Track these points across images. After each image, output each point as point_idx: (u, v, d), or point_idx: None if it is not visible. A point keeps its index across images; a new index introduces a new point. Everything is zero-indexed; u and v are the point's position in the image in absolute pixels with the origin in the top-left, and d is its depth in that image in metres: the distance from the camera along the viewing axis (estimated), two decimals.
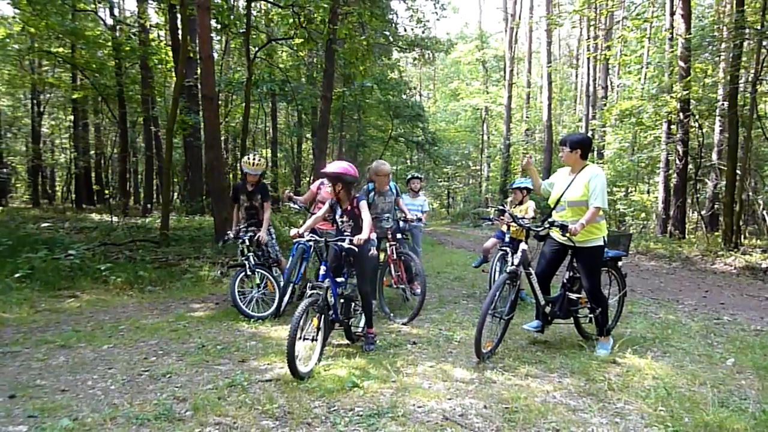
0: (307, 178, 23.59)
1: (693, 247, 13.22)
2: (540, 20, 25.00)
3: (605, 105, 22.07)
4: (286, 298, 6.20)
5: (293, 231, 4.70)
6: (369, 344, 4.84)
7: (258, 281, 6.27)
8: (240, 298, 5.96)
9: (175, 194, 24.20)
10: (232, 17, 12.29)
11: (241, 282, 6.14)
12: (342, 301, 4.75)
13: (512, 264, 4.78)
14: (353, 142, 22.56)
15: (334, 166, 4.78)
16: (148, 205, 20.52)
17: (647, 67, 21.48)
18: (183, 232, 12.00)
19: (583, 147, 4.73)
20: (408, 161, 33.22)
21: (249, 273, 6.17)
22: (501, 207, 5.12)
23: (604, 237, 4.73)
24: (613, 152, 22.36)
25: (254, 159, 6.50)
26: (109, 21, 19.74)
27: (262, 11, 17.07)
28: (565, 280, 5.00)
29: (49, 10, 13.71)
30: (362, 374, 4.11)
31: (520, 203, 7.01)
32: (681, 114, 14.39)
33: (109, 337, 5.17)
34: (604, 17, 20.85)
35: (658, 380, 4.06)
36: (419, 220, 7.10)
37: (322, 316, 4.34)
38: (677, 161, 14.80)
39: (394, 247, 6.10)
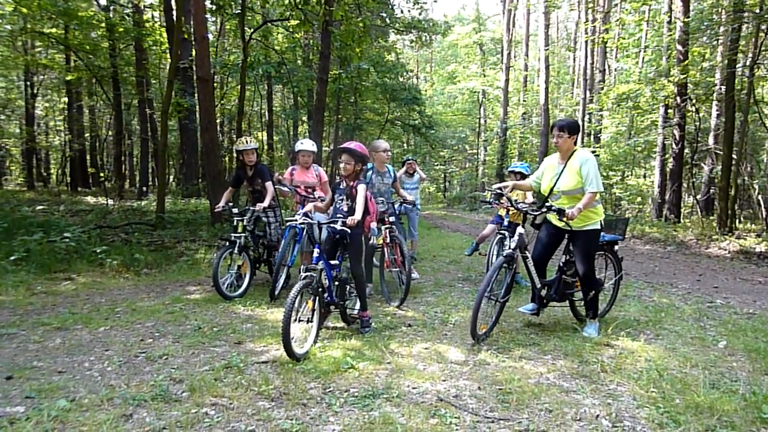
0: None
1: (688, 231, 13.28)
2: (538, 2, 24.82)
3: (602, 89, 21.99)
4: (281, 281, 6.23)
5: (308, 206, 4.90)
6: (364, 327, 4.87)
7: (239, 263, 6.29)
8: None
9: (171, 177, 24.14)
10: None
11: (224, 260, 6.12)
12: (336, 283, 4.76)
13: (509, 247, 4.78)
14: (350, 125, 22.44)
15: (354, 144, 4.87)
16: (144, 188, 20.43)
17: (645, 51, 21.37)
18: (179, 215, 11.98)
19: (577, 132, 4.73)
20: (404, 145, 33.10)
21: (236, 252, 6.17)
22: (499, 191, 5.09)
23: (600, 221, 4.74)
24: (609, 136, 22.36)
25: (244, 138, 6.68)
26: (103, 1, 19.49)
27: None
28: (561, 264, 4.99)
29: None
30: (357, 356, 4.14)
31: None
32: (678, 98, 14.37)
33: (105, 319, 5.18)
34: (602, 0, 20.68)
35: (651, 362, 4.11)
36: (413, 204, 7.16)
37: (317, 298, 4.34)
38: (674, 145, 14.81)
39: (388, 230, 6.11)
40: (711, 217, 14.57)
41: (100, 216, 11.72)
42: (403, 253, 6.04)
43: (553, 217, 4.80)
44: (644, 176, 21.30)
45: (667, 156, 15.70)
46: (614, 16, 22.17)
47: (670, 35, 15.72)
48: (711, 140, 16.18)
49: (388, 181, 6.51)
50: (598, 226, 4.73)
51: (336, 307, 4.84)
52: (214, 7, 12.27)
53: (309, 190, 6.50)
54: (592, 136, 23.73)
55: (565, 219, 4.42)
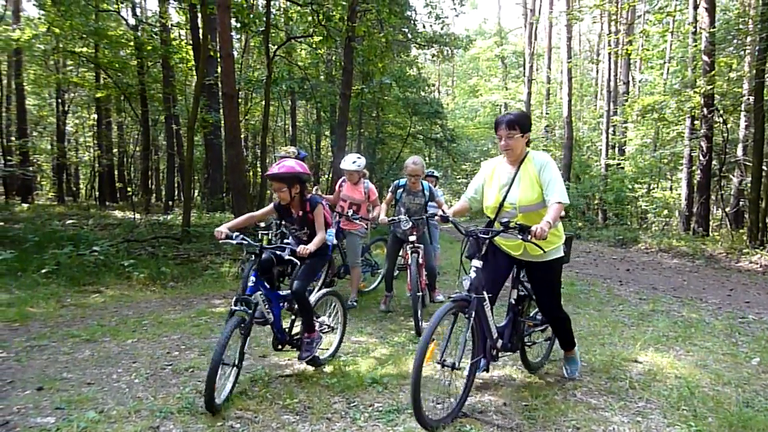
0: (326, 176, 23.67)
1: (717, 244, 12.99)
2: (560, 15, 24.67)
3: (627, 101, 21.77)
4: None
5: (216, 231, 3.81)
6: (305, 352, 4.02)
7: None
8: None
9: (196, 191, 24.47)
10: (251, 16, 12.36)
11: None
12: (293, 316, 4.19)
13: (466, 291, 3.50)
14: (372, 140, 22.58)
15: (287, 166, 3.95)
16: (170, 202, 20.75)
17: (670, 62, 21.16)
18: (204, 229, 12.11)
19: (530, 128, 3.66)
20: (426, 158, 33.09)
21: None
22: (443, 213, 3.86)
23: (562, 244, 3.76)
24: (634, 148, 22.10)
25: (286, 147, 6.91)
26: (132, 21, 19.97)
27: (281, 9, 17.14)
28: (513, 301, 3.92)
29: (73, 11, 13.97)
30: (382, 371, 4.13)
31: None
32: (705, 109, 14.15)
33: (132, 331, 5.26)
34: (625, 11, 20.54)
35: (681, 379, 4.02)
36: (433, 216, 7.06)
37: (246, 339, 3.65)
38: (701, 157, 14.56)
39: (412, 249, 5.79)
40: (741, 230, 14.23)
41: (127, 230, 11.91)
42: (431, 275, 5.91)
43: (506, 246, 3.77)
44: (670, 189, 20.94)
45: (694, 168, 15.43)
46: (638, 28, 22.00)
47: (696, 46, 15.52)
48: (740, 151, 15.87)
49: (419, 201, 6.12)
50: (562, 252, 3.74)
51: (291, 345, 4.10)
52: (239, 25, 12.49)
53: (355, 207, 6.46)
54: (616, 149, 23.47)
55: (531, 239, 3.20)
